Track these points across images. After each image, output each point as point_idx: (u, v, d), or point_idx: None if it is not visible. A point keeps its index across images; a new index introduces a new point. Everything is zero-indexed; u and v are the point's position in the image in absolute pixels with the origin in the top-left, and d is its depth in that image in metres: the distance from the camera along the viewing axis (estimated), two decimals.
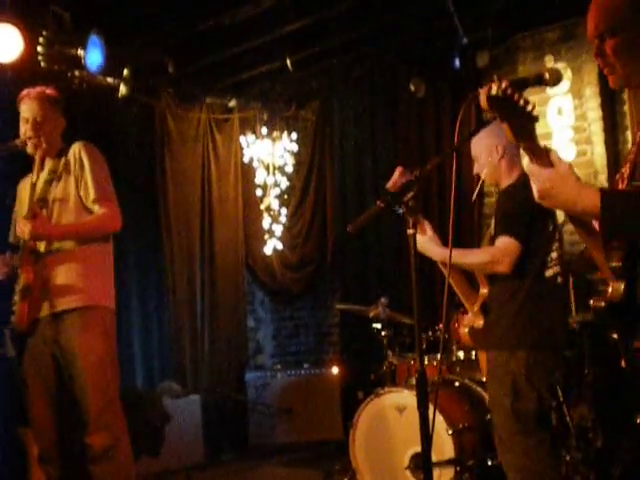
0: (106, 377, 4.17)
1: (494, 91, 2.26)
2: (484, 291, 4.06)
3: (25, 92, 4.36)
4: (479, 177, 4.12)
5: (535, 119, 2.31)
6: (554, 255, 3.82)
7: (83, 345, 4.11)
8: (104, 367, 4.17)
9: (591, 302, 2.33)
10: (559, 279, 3.81)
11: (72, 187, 4.25)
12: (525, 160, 2.36)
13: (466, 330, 4.35)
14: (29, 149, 4.34)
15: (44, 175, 4.27)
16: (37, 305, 4.16)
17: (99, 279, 4.31)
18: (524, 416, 3.72)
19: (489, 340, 3.97)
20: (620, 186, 2.35)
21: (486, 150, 3.99)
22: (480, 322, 4.04)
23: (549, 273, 3.80)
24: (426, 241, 3.93)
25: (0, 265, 4.30)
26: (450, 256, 3.07)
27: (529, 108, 2.28)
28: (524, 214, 3.77)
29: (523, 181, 3.90)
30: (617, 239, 2.24)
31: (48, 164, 4.34)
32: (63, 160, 4.27)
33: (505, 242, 3.76)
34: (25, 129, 4.29)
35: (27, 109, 4.31)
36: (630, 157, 2.36)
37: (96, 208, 4.22)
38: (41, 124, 4.30)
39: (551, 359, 3.79)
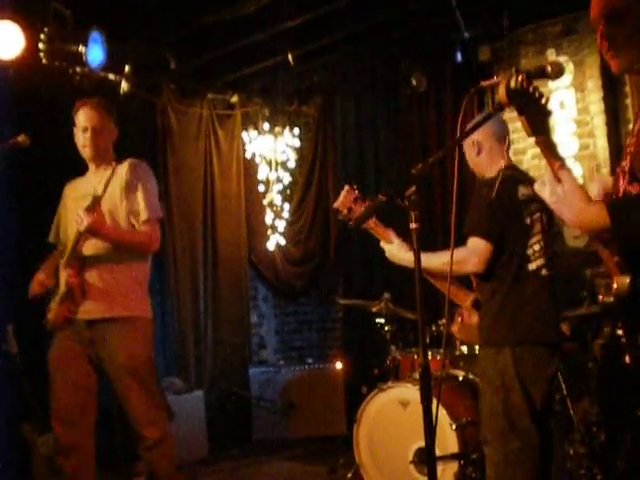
0: (148, 377, 4.37)
1: (513, 84, 2.26)
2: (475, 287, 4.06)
3: (82, 101, 4.47)
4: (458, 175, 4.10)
5: (549, 113, 2.31)
6: (536, 247, 3.78)
7: (125, 352, 4.26)
8: (144, 374, 4.33)
9: (600, 297, 2.33)
10: (544, 271, 3.77)
11: (119, 201, 4.37)
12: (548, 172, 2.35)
13: (456, 328, 4.36)
14: (86, 155, 4.47)
15: (98, 183, 4.37)
16: (76, 307, 4.28)
17: (140, 291, 4.47)
18: (515, 412, 3.71)
19: (479, 337, 3.97)
20: (621, 180, 2.34)
21: (467, 146, 3.98)
22: (473, 318, 4.04)
23: (532, 267, 3.77)
24: (394, 249, 3.96)
25: (37, 285, 4.43)
26: (452, 255, 3.05)
27: (544, 101, 2.29)
28: (495, 211, 3.75)
29: (502, 175, 3.89)
30: (634, 248, 2.23)
31: (102, 172, 4.46)
32: (115, 172, 4.40)
33: (473, 242, 3.75)
34: (84, 138, 4.41)
35: (86, 118, 4.41)
36: (629, 149, 2.36)
37: (143, 228, 4.37)
38: (99, 133, 4.43)
39: (541, 353, 3.76)
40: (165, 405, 4.59)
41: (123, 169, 4.43)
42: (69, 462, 4.26)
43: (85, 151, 4.45)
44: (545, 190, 2.27)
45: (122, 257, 4.34)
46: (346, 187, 4.13)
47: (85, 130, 4.40)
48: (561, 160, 2.34)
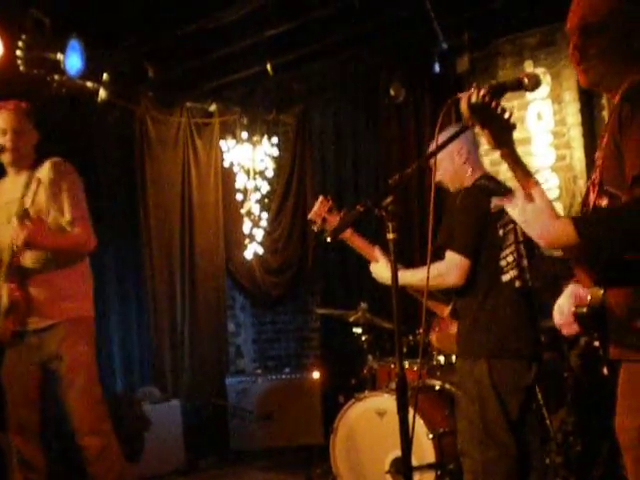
0: (91, 381, 4.31)
1: (474, 99, 2.29)
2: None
3: (1, 104, 4.38)
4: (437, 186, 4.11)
5: (512, 127, 2.34)
6: (510, 259, 3.79)
7: (73, 351, 4.24)
8: (89, 372, 4.30)
9: (573, 309, 2.34)
10: (517, 283, 3.78)
11: (44, 203, 4.29)
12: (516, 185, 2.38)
13: (434, 337, 4.38)
14: (5, 159, 4.38)
15: (20, 188, 4.28)
16: (23, 320, 4.22)
17: (82, 291, 4.43)
18: (491, 422, 3.72)
19: (457, 348, 3.98)
20: (592, 193, 2.35)
21: (448, 156, 3.97)
22: (452, 328, 4.05)
23: (505, 278, 3.78)
24: (380, 269, 3.98)
25: None
26: (429, 269, 3.06)
27: (506, 116, 2.32)
28: (471, 224, 3.78)
29: (476, 186, 3.91)
30: (602, 260, 2.25)
31: (22, 176, 4.37)
32: (36, 174, 4.29)
33: (451, 256, 3.78)
34: (4, 139, 4.31)
35: (4, 121, 4.32)
36: (598, 163, 2.38)
37: (70, 229, 4.28)
38: (19, 135, 4.34)
39: (516, 365, 3.76)
40: (108, 418, 4.40)
41: (44, 170, 4.33)
42: (33, 475, 4.24)
43: (5, 155, 4.36)
44: (514, 209, 2.29)
45: (61, 263, 4.29)
46: (320, 197, 4.15)
47: (4, 133, 4.31)
48: (529, 174, 2.37)
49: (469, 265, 3.75)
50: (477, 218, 3.77)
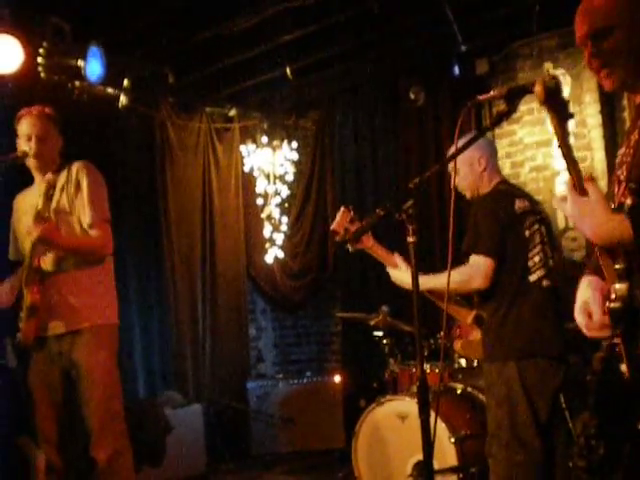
0: (111, 391, 4.28)
1: (549, 83, 2.28)
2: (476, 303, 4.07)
3: (25, 110, 4.38)
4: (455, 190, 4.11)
5: (571, 116, 2.33)
6: (536, 259, 3.81)
7: (92, 361, 4.22)
8: (110, 382, 4.27)
9: (607, 304, 2.31)
10: (544, 282, 3.79)
11: (70, 205, 4.30)
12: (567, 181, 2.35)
13: (459, 345, 4.37)
14: (31, 165, 4.39)
15: (44, 191, 4.27)
16: (44, 324, 4.25)
17: (105, 297, 4.42)
18: (520, 426, 3.71)
19: (483, 353, 3.97)
20: (616, 189, 2.34)
21: (467, 162, 3.98)
22: (475, 335, 4.05)
23: (533, 278, 3.79)
24: (400, 274, 3.98)
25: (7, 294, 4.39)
26: (449, 273, 3.05)
27: (569, 105, 2.31)
28: (493, 226, 3.77)
29: (497, 190, 3.92)
30: None
31: (48, 180, 4.35)
32: (62, 177, 4.32)
33: (476, 259, 3.78)
34: (29, 146, 4.31)
35: (29, 127, 4.32)
36: (626, 160, 2.36)
37: (90, 232, 4.28)
38: (44, 141, 4.33)
39: (545, 366, 3.77)
40: (126, 431, 4.34)
41: (71, 171, 4.34)
42: None
43: (30, 161, 4.36)
44: (565, 204, 2.27)
45: (81, 266, 4.28)
46: (342, 208, 4.15)
47: (29, 139, 4.31)
48: (581, 169, 2.34)
49: (493, 267, 3.75)
50: (499, 220, 3.78)
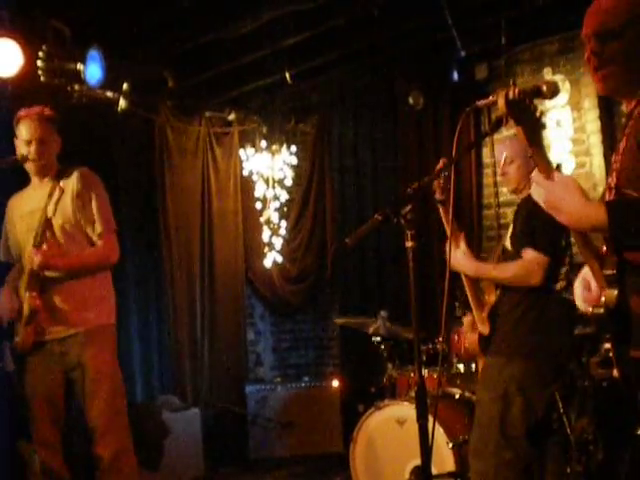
0: (114, 392, 4.30)
1: (511, 95, 2.32)
2: (491, 299, 4.07)
3: (24, 112, 4.35)
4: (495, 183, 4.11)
5: (543, 126, 2.38)
6: (563, 270, 3.83)
7: (98, 360, 4.25)
8: (112, 382, 4.30)
9: (590, 309, 2.34)
10: (565, 294, 3.81)
11: (72, 214, 4.29)
12: (535, 172, 2.38)
13: (476, 337, 4.35)
14: (30, 168, 4.36)
15: (43, 197, 4.26)
16: (42, 329, 4.23)
17: (105, 298, 4.42)
18: (511, 425, 3.72)
19: (489, 346, 3.97)
20: (608, 197, 2.36)
21: (523, 154, 3.93)
22: (486, 329, 4.04)
23: (558, 286, 3.82)
24: (460, 256, 3.94)
25: (8, 312, 4.33)
26: (448, 274, 3.05)
27: (538, 114, 2.34)
28: (551, 225, 3.78)
29: None
30: (628, 247, 2.24)
31: (45, 185, 4.35)
32: (61, 184, 4.27)
33: (534, 255, 3.77)
34: (29, 150, 4.27)
35: (29, 130, 4.28)
36: (615, 166, 2.38)
37: (99, 242, 4.30)
38: (43, 145, 4.31)
39: (547, 371, 3.78)
40: (129, 429, 4.38)
41: (72, 180, 4.30)
42: None
43: (29, 165, 4.33)
44: (540, 191, 2.30)
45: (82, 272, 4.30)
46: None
47: (29, 143, 4.27)
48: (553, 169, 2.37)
49: (549, 264, 3.75)
50: (552, 222, 3.78)
